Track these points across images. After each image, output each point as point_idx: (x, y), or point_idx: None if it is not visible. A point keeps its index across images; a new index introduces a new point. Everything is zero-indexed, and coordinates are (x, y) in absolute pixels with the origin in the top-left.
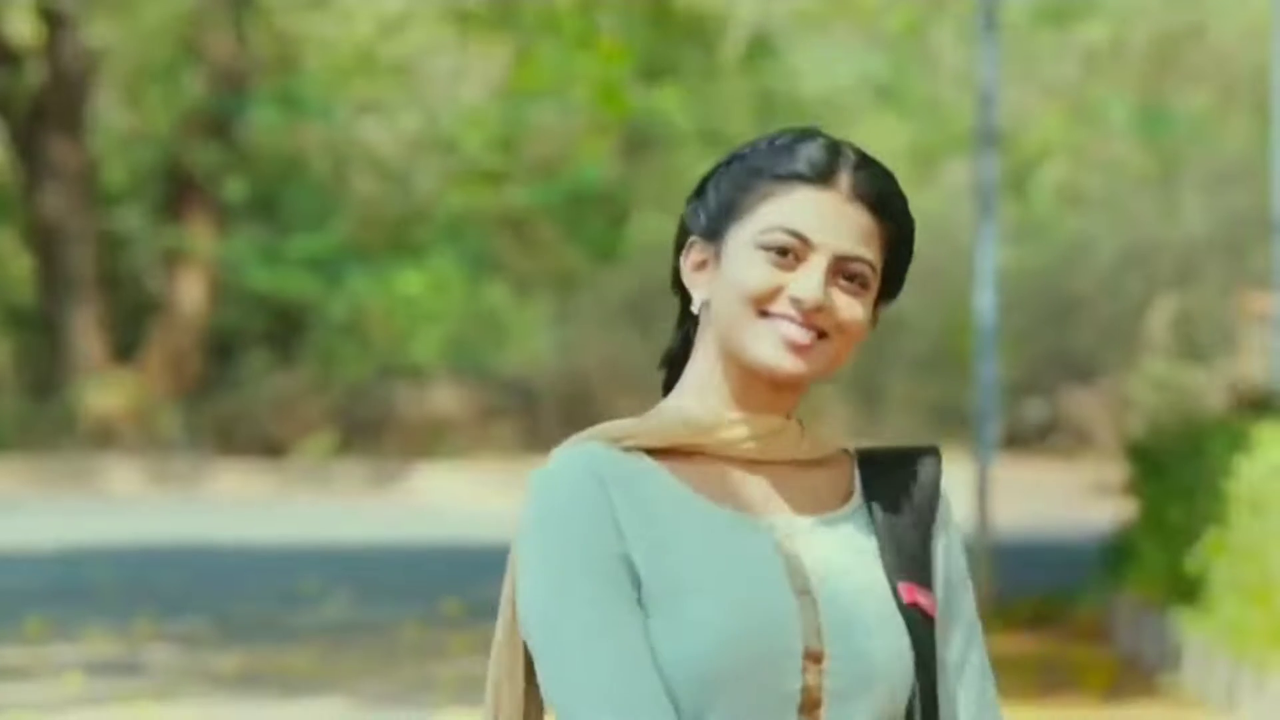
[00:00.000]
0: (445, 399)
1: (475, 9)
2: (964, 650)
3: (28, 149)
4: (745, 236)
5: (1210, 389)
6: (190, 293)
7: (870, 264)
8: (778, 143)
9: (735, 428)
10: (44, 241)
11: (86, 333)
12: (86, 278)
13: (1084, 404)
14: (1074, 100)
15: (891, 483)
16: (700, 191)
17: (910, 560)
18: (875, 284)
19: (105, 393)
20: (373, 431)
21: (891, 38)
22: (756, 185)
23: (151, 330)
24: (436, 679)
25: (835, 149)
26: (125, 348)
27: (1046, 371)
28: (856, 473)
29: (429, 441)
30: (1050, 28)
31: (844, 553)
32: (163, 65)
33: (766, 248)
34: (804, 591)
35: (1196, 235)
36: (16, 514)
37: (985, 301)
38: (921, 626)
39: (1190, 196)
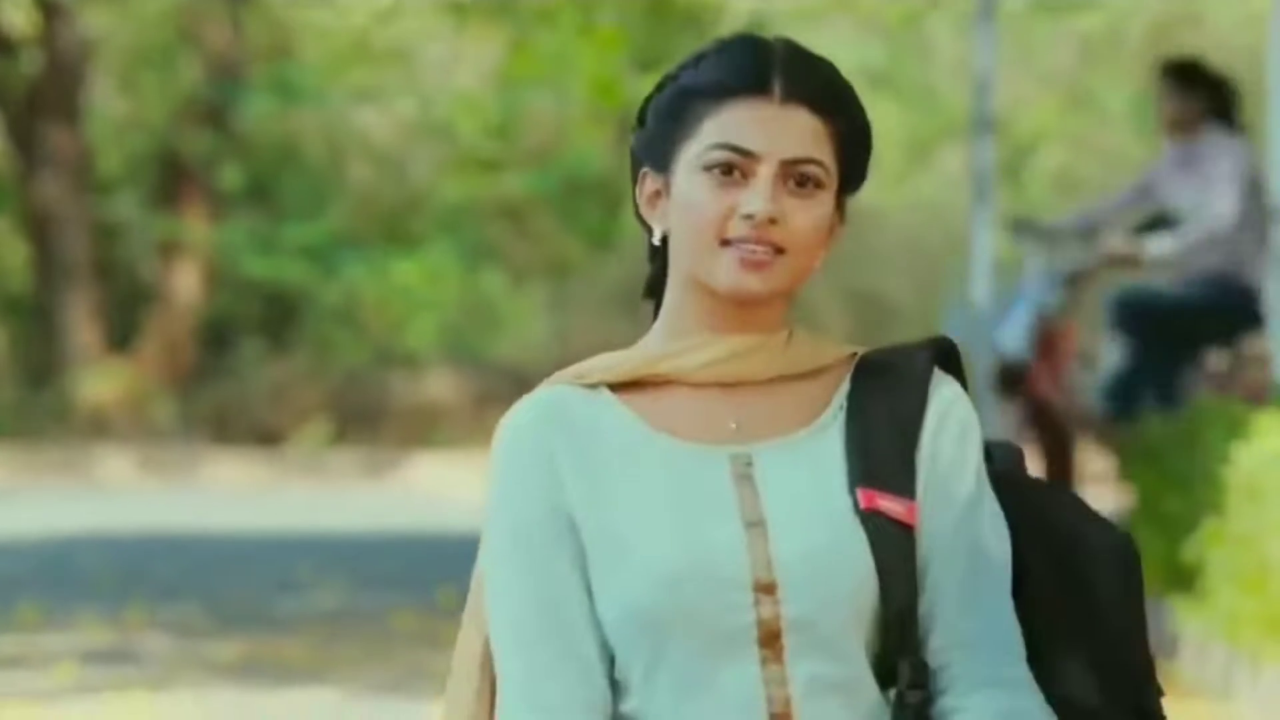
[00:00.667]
0: (441, 387)
1: None
2: (948, 550)
3: (23, 137)
4: (689, 161)
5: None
6: (185, 281)
7: (820, 163)
8: (706, 57)
9: (696, 352)
10: (39, 229)
11: (81, 321)
12: (81, 265)
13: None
14: (1070, 88)
15: (878, 384)
16: (641, 120)
17: (878, 465)
18: (832, 182)
19: (99, 381)
20: (368, 420)
21: (889, 27)
22: (691, 106)
23: (146, 319)
24: (431, 668)
25: (764, 52)
26: (120, 336)
27: None
28: (848, 379)
29: (424, 429)
30: (1047, 17)
31: (808, 471)
32: (158, 53)
33: (710, 168)
34: (755, 522)
35: None
36: (10, 502)
37: (981, 290)
38: (887, 534)
39: None
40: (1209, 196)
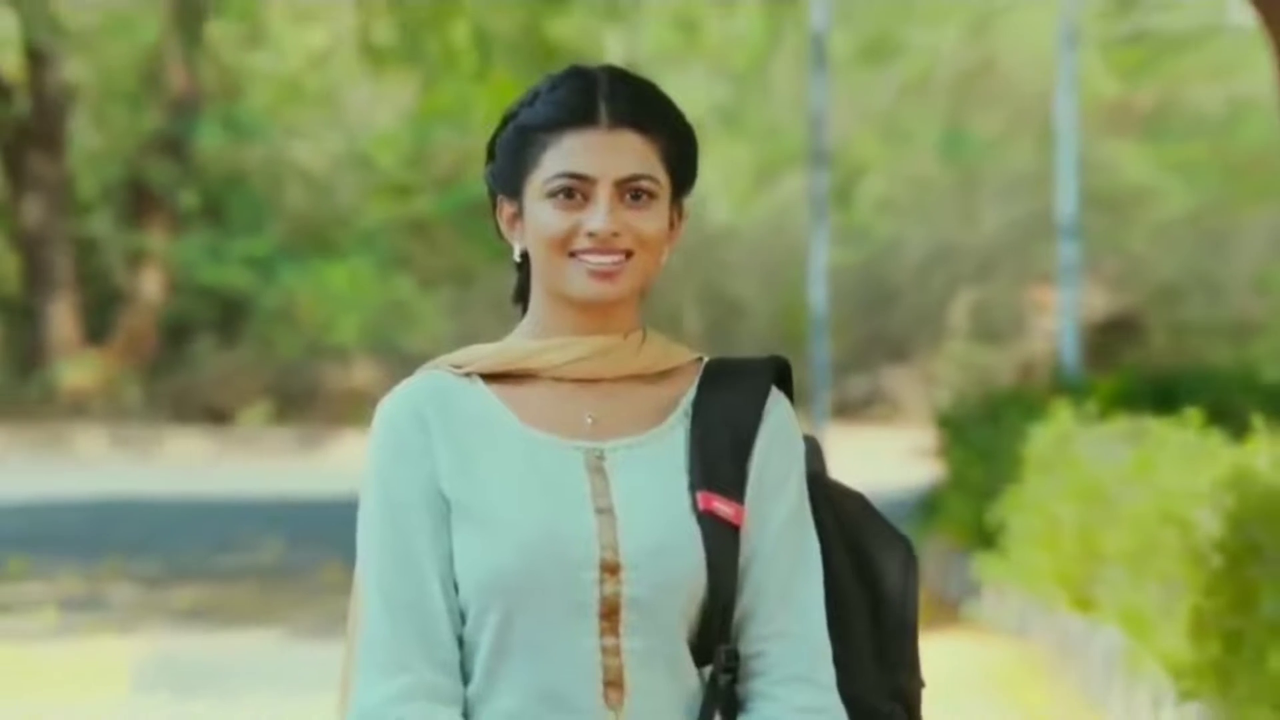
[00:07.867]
0: (364, 374)
1: (387, 45)
2: (771, 553)
3: (14, 167)
4: (536, 189)
5: (1003, 367)
6: (149, 286)
7: (651, 177)
8: (540, 95)
9: (559, 351)
10: (28, 244)
11: (63, 320)
12: (63, 274)
13: (899, 380)
14: (889, 124)
15: (720, 394)
16: (491, 154)
17: (715, 470)
18: (664, 190)
19: (77, 370)
20: (302, 402)
21: (737, 71)
22: (530, 141)
23: (117, 318)
24: None
25: (590, 85)
26: (95, 332)
27: (867, 352)
28: (694, 385)
29: (350, 411)
30: (870, 63)
31: (654, 468)
32: (127, 94)
33: (554, 194)
34: (605, 510)
35: (991, 237)
36: (1, 472)
37: (818, 294)
38: (719, 533)
39: (986, 205)
40: None
